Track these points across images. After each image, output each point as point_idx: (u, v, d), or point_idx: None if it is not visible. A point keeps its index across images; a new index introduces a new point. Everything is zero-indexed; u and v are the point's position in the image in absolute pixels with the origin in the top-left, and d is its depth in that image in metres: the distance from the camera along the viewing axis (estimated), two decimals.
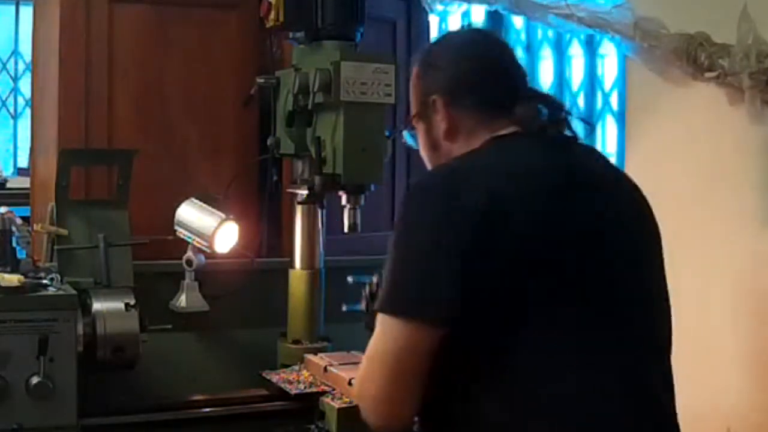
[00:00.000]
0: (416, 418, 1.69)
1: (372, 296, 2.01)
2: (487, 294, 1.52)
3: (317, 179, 2.34)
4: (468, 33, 1.99)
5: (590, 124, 1.80)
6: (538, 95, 1.78)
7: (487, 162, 1.63)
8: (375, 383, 1.60)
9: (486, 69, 1.75)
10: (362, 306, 2.10)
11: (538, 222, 1.56)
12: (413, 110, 1.81)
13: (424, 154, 1.81)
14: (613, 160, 3.15)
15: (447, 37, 1.94)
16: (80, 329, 2.25)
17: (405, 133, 1.88)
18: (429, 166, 1.80)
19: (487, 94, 1.72)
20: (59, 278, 2.32)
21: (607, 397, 1.57)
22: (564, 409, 1.54)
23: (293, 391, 2.36)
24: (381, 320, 1.58)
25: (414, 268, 1.56)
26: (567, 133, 1.74)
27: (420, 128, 1.79)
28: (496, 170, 1.60)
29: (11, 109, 5.47)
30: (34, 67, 3.22)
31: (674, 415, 1.67)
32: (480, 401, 1.57)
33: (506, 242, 1.53)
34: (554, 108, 1.74)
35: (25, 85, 5.31)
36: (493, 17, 3.53)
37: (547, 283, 1.55)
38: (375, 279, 2.03)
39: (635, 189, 1.75)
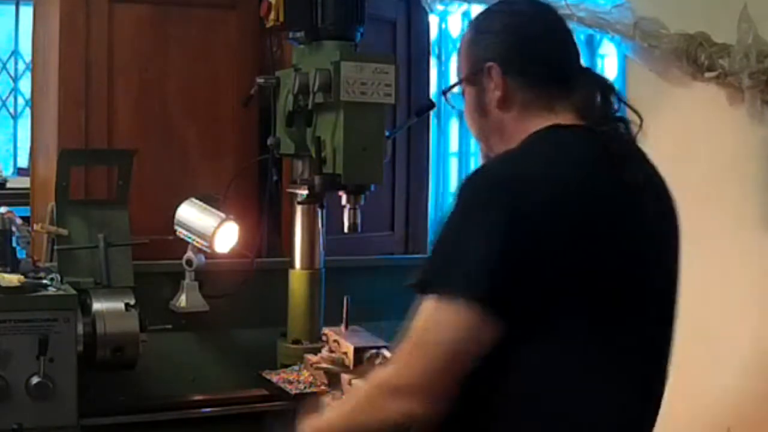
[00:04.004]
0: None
1: None
2: (522, 302, 1.49)
3: (317, 179, 2.34)
4: (525, 1, 1.83)
5: (639, 116, 1.70)
6: (593, 77, 1.73)
7: (549, 171, 1.57)
8: (417, 371, 1.49)
9: (546, 40, 1.70)
10: None
11: (588, 239, 1.53)
12: (463, 73, 1.76)
13: (469, 116, 1.77)
14: None
15: (503, 3, 1.81)
16: (80, 329, 2.25)
17: (451, 97, 1.83)
18: (473, 130, 1.79)
19: (546, 66, 1.68)
20: (59, 278, 2.32)
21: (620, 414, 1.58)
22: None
23: (293, 391, 2.36)
24: (436, 306, 1.49)
25: (479, 254, 1.48)
26: (621, 128, 1.68)
27: (469, 91, 1.74)
28: (558, 180, 1.55)
29: (11, 109, 5.47)
30: (34, 67, 3.21)
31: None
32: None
33: (557, 256, 1.50)
34: (608, 93, 1.69)
35: (25, 85, 5.29)
36: None
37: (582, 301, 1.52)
38: None
39: (673, 202, 1.72)
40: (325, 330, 2.45)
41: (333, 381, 2.30)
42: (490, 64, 1.68)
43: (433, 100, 2.88)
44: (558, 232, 1.51)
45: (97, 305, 2.32)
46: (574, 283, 1.52)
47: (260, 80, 2.54)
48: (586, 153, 1.62)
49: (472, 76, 1.72)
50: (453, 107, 1.92)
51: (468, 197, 1.55)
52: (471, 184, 1.58)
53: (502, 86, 1.67)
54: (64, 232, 2.48)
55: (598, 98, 1.68)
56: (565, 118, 1.66)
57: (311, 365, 2.38)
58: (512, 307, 1.48)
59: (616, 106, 1.70)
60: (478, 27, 1.76)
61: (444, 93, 1.87)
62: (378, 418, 1.53)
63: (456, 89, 1.81)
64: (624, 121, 1.69)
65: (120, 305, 2.34)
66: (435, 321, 1.49)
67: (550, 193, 1.52)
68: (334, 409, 1.66)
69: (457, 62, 1.82)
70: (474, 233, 1.51)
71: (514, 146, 1.67)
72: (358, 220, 2.38)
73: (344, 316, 2.36)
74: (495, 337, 1.47)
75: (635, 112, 1.70)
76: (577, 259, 1.52)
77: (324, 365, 2.32)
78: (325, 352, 2.35)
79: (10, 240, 2.41)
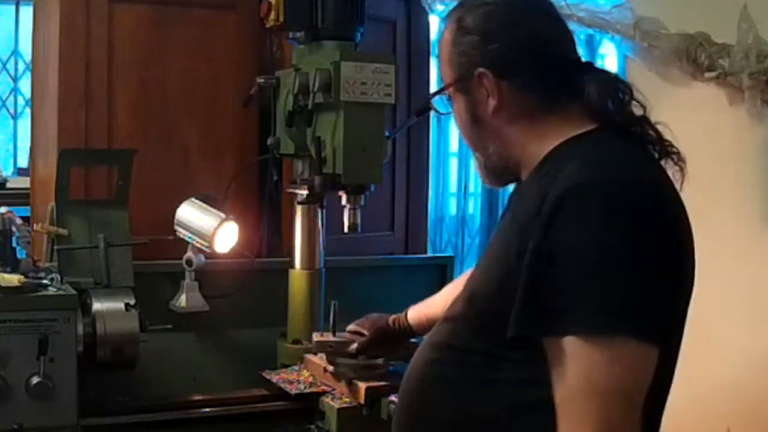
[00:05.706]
0: None
1: None
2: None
3: (317, 179, 2.34)
4: None
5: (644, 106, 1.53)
6: (597, 71, 1.53)
7: (659, 184, 1.47)
8: (621, 422, 1.32)
9: (545, 37, 1.50)
10: None
11: (687, 254, 1.51)
12: (448, 77, 1.58)
13: (460, 125, 1.60)
14: None
15: None
16: (80, 329, 2.25)
17: (435, 101, 1.65)
18: (467, 139, 1.62)
19: (549, 68, 1.48)
20: (59, 278, 2.32)
21: None
22: None
23: (293, 391, 2.36)
24: (598, 349, 1.31)
25: (649, 289, 1.36)
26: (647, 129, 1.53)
27: (458, 99, 1.57)
28: (668, 192, 1.47)
29: (11, 109, 5.47)
30: (34, 67, 3.21)
31: None
32: None
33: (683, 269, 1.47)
34: (617, 88, 1.50)
35: (25, 85, 5.30)
36: None
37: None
38: None
39: None
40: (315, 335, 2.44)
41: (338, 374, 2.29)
42: (480, 70, 1.51)
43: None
44: (681, 247, 1.46)
45: (97, 305, 2.32)
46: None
47: (260, 80, 2.54)
48: (652, 161, 1.53)
49: (460, 84, 1.55)
50: (440, 114, 1.73)
51: (603, 225, 1.34)
52: (600, 210, 1.35)
53: (497, 93, 1.50)
54: (64, 232, 2.48)
55: (607, 95, 1.51)
56: (580, 119, 1.50)
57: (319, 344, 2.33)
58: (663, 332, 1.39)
59: (626, 101, 1.53)
60: (459, 25, 1.55)
61: (426, 108, 1.69)
62: None
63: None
64: (647, 120, 1.55)
65: (120, 305, 2.34)
66: (605, 365, 1.31)
67: (674, 206, 1.45)
68: None
69: (438, 64, 1.64)
70: (625, 264, 1.34)
71: (519, 154, 1.53)
72: (358, 220, 2.38)
73: (331, 321, 2.35)
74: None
75: (641, 105, 1.54)
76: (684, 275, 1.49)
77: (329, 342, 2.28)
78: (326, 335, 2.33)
79: (10, 240, 2.41)
